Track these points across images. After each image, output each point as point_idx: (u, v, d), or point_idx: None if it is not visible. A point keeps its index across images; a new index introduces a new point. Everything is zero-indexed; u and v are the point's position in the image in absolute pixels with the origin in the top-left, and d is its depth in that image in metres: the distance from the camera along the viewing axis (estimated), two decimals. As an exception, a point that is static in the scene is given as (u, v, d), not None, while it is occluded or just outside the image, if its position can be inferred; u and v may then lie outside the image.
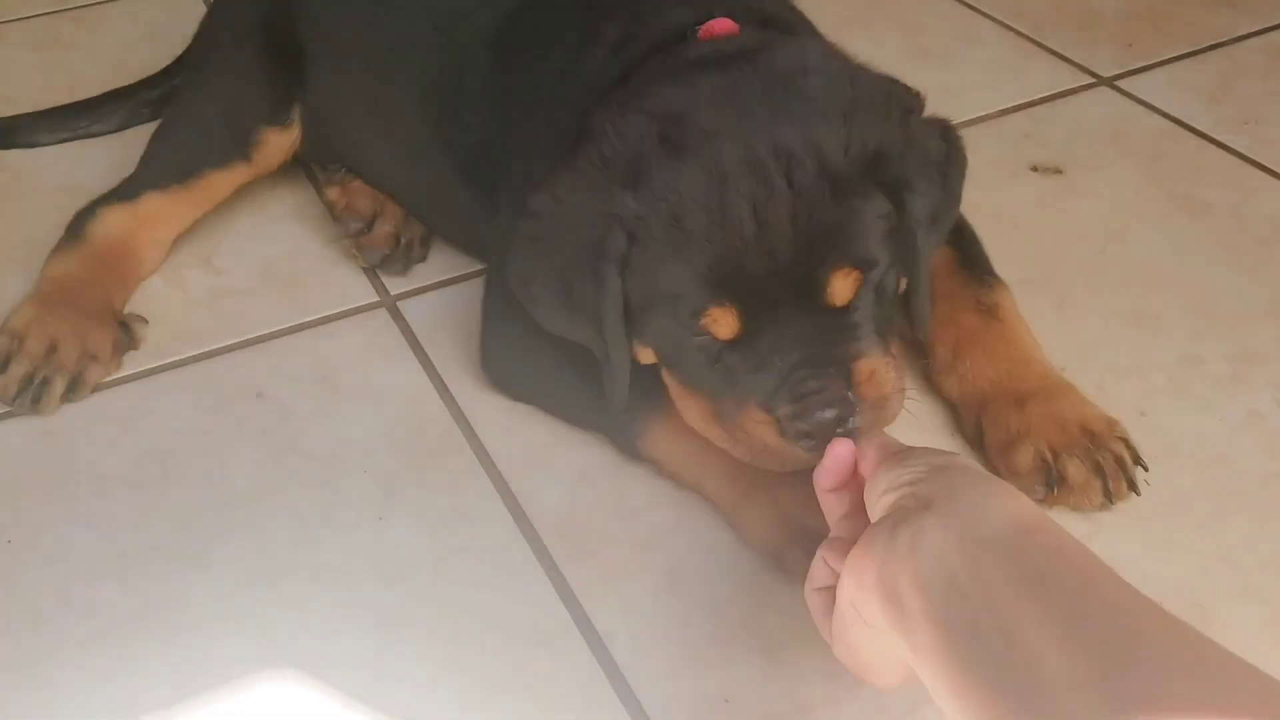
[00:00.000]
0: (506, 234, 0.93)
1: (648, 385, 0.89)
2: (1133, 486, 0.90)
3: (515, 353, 1.01)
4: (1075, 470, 0.89)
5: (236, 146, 1.18)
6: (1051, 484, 0.89)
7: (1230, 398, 1.00)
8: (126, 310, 1.11)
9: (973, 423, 0.95)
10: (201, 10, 1.66)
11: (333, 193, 1.22)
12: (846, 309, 0.82)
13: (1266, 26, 1.53)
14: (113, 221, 1.13)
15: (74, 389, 1.02)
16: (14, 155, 1.36)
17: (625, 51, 0.92)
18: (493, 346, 1.03)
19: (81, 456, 0.99)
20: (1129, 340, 1.06)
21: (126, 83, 1.43)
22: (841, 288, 0.81)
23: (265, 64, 1.19)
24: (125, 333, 1.07)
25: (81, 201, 1.22)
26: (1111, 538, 0.88)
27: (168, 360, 1.08)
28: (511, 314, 0.97)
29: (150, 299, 1.14)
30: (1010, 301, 0.99)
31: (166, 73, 1.40)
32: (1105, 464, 0.89)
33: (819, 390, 0.80)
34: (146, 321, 1.10)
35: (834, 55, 0.90)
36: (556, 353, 0.96)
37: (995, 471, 0.91)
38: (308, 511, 0.93)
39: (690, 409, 0.86)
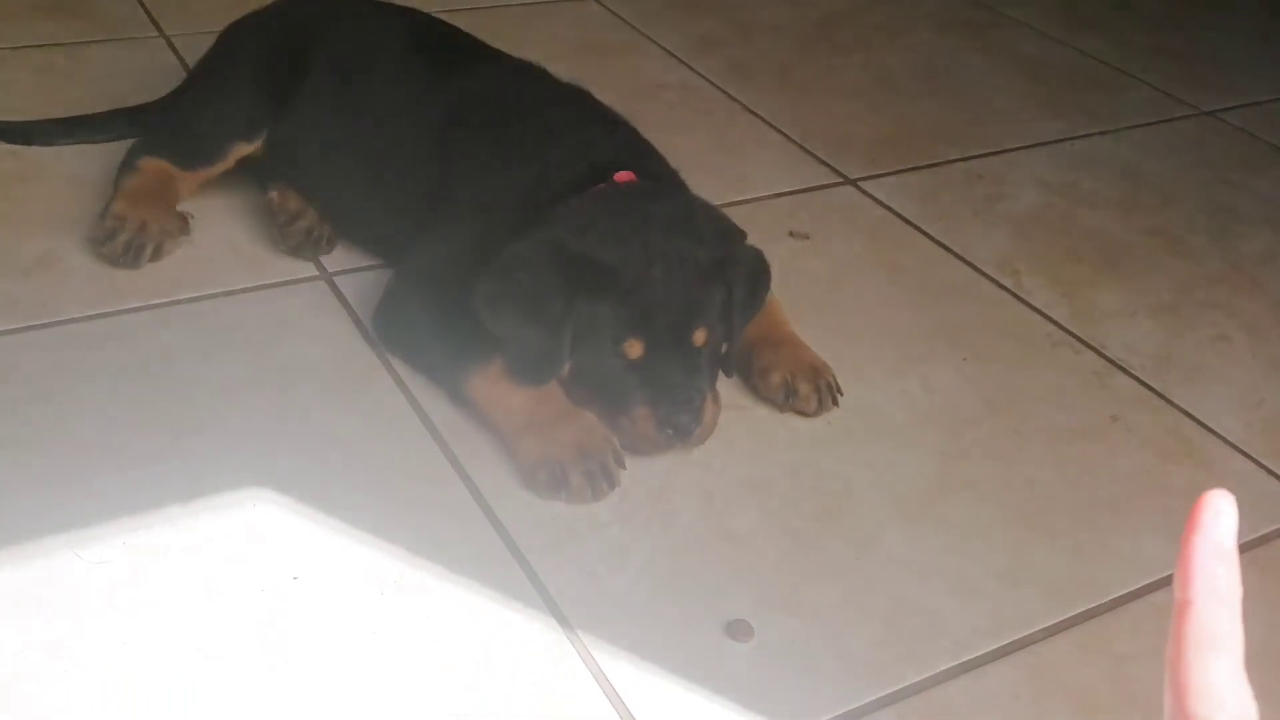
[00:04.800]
0: (428, 254, 1.45)
1: (467, 354, 1.35)
2: (835, 403, 1.45)
3: (400, 323, 1.45)
4: (804, 387, 1.43)
5: (219, 153, 1.63)
6: (788, 396, 1.43)
7: (892, 381, 1.54)
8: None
9: (745, 357, 1.47)
10: (169, 58, 2.11)
11: (272, 194, 1.63)
12: (699, 353, 1.33)
13: (967, 156, 2.14)
14: (150, 162, 1.61)
15: (156, 254, 1.53)
16: (30, 150, 1.76)
17: (565, 174, 1.42)
18: (387, 314, 1.47)
19: (111, 353, 1.40)
20: (834, 345, 1.57)
21: (109, 107, 1.84)
22: (699, 337, 1.33)
23: (248, 95, 1.64)
24: (183, 221, 1.58)
25: (83, 188, 1.66)
26: (808, 447, 1.40)
27: (164, 300, 1.50)
28: (409, 301, 1.45)
29: (154, 263, 1.55)
30: (775, 301, 1.52)
31: (157, 104, 1.80)
32: (821, 387, 1.44)
33: (687, 402, 1.30)
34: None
35: (699, 200, 1.45)
36: (425, 331, 1.41)
37: (754, 388, 1.46)
38: (267, 405, 1.36)
39: (585, 404, 1.33)
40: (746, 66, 2.39)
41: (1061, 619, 1.22)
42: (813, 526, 1.30)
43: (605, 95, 1.66)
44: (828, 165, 2.05)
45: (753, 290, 1.42)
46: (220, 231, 1.65)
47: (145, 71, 2.03)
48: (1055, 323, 1.70)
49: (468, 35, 1.75)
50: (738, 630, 1.15)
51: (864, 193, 1.99)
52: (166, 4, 2.30)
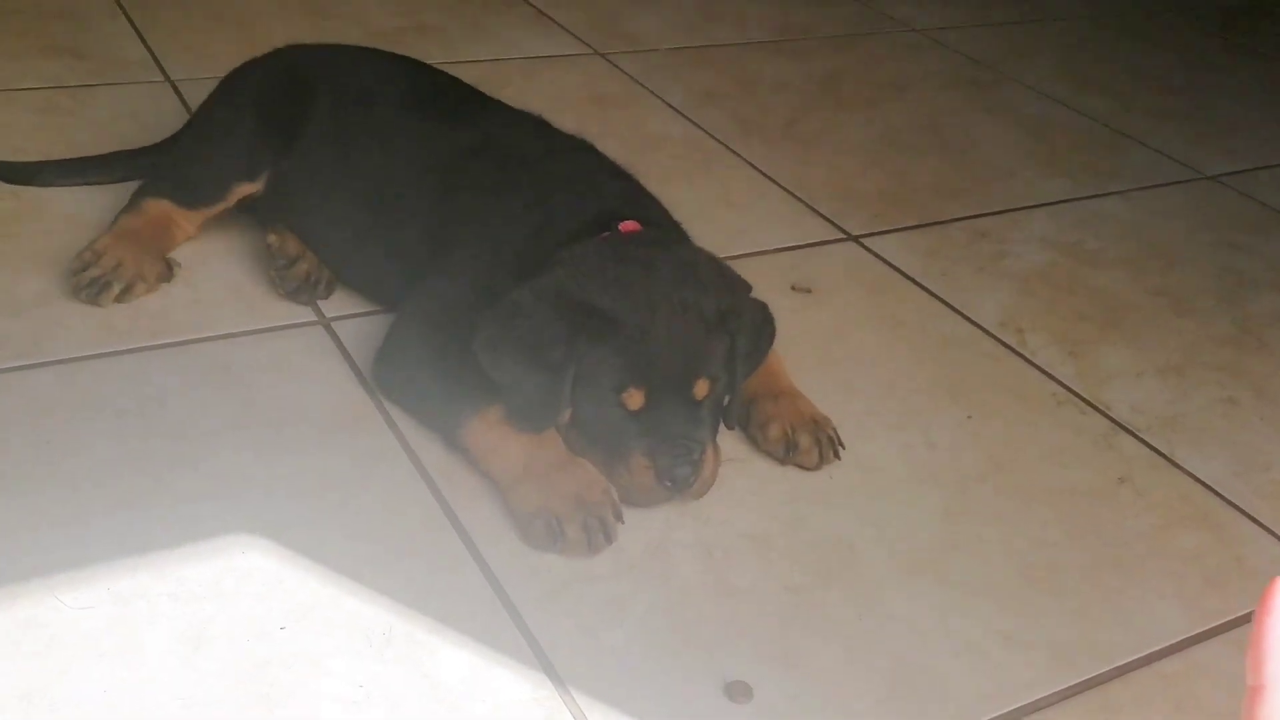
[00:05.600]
0: (429, 299, 1.43)
1: (465, 399, 1.34)
2: (836, 456, 1.43)
3: (400, 368, 1.44)
4: (805, 440, 1.41)
5: (221, 191, 1.63)
6: (789, 449, 1.40)
7: (893, 436, 1.52)
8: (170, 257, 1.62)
9: (745, 410, 1.45)
10: (173, 101, 2.11)
11: (271, 237, 1.63)
12: (701, 404, 1.31)
13: (971, 214, 2.14)
14: (152, 204, 1.62)
15: (124, 295, 1.52)
16: (30, 190, 1.75)
17: (569, 222, 1.41)
18: (386, 359, 1.45)
19: (104, 393, 1.38)
20: (835, 398, 1.55)
21: (111, 149, 1.84)
22: (701, 388, 1.31)
23: (251, 135, 1.64)
24: (167, 268, 1.58)
25: (82, 230, 1.64)
26: (809, 501, 1.37)
27: (164, 341, 1.48)
28: (409, 345, 1.43)
29: (151, 305, 1.55)
30: (775, 354, 1.49)
31: (158, 147, 1.81)
32: (821, 440, 1.42)
33: (686, 453, 1.28)
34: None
35: (703, 251, 1.43)
36: (424, 376, 1.39)
37: (754, 440, 1.44)
38: (259, 450, 1.34)
39: (583, 452, 1.31)
40: (749, 121, 2.40)
41: (1067, 685, 1.19)
42: (814, 583, 1.27)
43: (608, 147, 1.65)
44: (830, 221, 2.05)
45: (756, 342, 1.40)
46: (219, 274, 1.63)
47: (149, 115, 2.03)
48: (1060, 382, 1.68)
49: (468, 85, 1.75)
50: (736, 691, 1.12)
51: (866, 249, 1.98)
52: (172, 48, 2.30)
